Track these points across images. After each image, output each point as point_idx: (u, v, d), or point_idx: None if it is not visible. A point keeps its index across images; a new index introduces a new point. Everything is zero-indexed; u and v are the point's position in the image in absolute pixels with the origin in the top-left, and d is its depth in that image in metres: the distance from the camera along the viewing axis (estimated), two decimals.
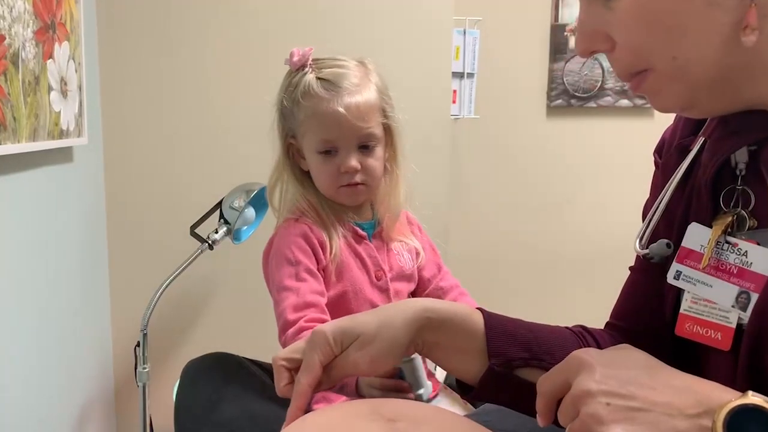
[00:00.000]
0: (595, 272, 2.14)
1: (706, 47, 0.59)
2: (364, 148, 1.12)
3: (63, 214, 1.45)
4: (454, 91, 1.88)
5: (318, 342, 0.67)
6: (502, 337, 0.70)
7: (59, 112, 1.30)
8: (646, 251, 0.72)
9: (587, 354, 0.55)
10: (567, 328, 0.79)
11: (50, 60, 1.25)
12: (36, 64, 1.19)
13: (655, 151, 0.81)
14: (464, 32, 1.88)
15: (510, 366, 0.69)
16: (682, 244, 0.69)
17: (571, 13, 2.09)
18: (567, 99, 2.13)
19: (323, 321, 1.02)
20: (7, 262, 1.19)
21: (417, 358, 0.85)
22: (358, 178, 1.12)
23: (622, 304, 0.81)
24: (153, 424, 1.55)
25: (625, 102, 2.14)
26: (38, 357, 1.32)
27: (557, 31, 2.10)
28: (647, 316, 0.75)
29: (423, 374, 0.87)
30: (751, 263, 0.64)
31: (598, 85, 2.13)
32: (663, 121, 0.78)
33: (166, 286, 1.48)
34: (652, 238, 0.73)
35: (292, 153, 1.16)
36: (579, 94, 2.13)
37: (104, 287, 1.70)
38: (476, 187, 2.12)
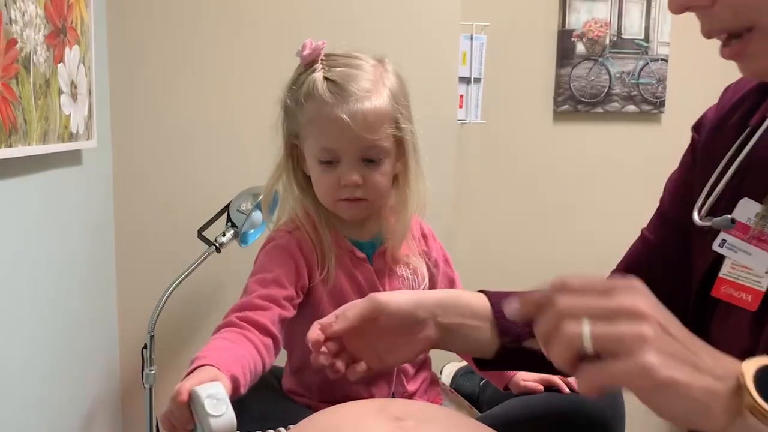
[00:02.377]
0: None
1: None
2: (369, 161, 1.01)
3: (71, 216, 1.46)
4: (461, 96, 1.89)
5: None
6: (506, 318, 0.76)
7: (69, 115, 1.31)
8: (708, 223, 0.74)
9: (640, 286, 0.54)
10: None
11: (61, 64, 1.26)
12: (47, 68, 1.20)
13: (693, 127, 0.84)
14: (471, 37, 1.89)
15: (518, 341, 0.79)
16: (733, 215, 0.73)
17: (578, 19, 2.09)
18: (574, 104, 2.13)
19: (253, 322, 0.93)
20: (15, 263, 1.19)
21: (197, 394, 0.76)
22: (358, 193, 1.02)
23: (629, 263, 0.89)
24: (159, 427, 1.56)
25: (632, 107, 2.13)
26: (45, 358, 1.32)
27: (564, 36, 2.10)
28: (662, 277, 0.79)
29: (204, 410, 0.76)
30: None
31: (605, 90, 2.13)
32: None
33: (174, 288, 1.48)
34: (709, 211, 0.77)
35: (295, 155, 1.08)
36: (586, 100, 2.13)
37: (112, 289, 1.71)
38: (482, 192, 2.12)
